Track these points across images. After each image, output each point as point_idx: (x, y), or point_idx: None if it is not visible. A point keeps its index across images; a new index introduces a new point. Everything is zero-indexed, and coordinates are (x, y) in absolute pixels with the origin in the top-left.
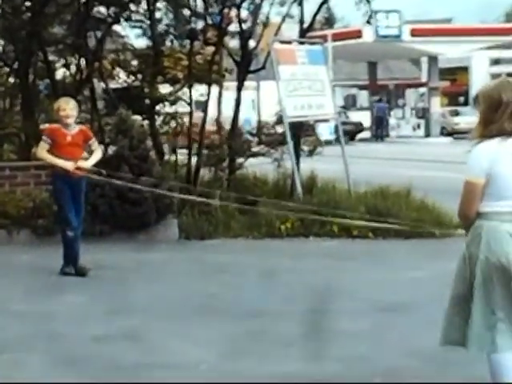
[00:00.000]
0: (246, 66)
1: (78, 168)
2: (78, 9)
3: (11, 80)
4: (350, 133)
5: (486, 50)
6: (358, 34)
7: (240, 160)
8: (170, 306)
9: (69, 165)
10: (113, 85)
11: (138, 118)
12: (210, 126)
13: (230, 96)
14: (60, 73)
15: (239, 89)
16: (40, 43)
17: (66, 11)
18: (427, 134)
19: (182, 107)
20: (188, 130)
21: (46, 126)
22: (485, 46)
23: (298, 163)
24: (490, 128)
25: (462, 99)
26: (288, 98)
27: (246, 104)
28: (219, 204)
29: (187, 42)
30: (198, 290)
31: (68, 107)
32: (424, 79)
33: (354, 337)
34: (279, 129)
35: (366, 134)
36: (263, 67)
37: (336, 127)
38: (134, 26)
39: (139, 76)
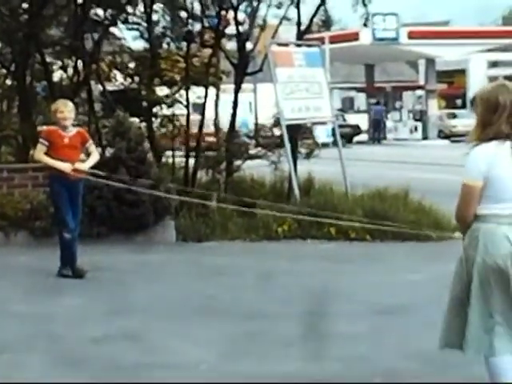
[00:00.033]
0: (243, 69)
1: (75, 170)
2: (75, 11)
3: (8, 82)
4: (348, 135)
5: (484, 52)
6: (355, 37)
7: (237, 162)
8: (169, 306)
9: (66, 167)
10: (110, 87)
11: (135, 120)
12: (207, 129)
13: (227, 98)
14: (57, 75)
15: (236, 91)
16: (37, 45)
17: (63, 13)
18: (424, 137)
19: (179, 109)
20: (185, 133)
21: (44, 128)
22: (482, 48)
23: (295, 166)
24: (487, 131)
25: (459, 102)
26: (285, 100)
27: (244, 106)
28: (216, 206)
29: (184, 44)
30: (197, 291)
31: (66, 109)
32: (421, 82)
33: (352, 339)
34: (276, 131)
35: (363, 137)
36: (260, 69)
37: (333, 130)
38: (131, 28)
39: (136, 78)
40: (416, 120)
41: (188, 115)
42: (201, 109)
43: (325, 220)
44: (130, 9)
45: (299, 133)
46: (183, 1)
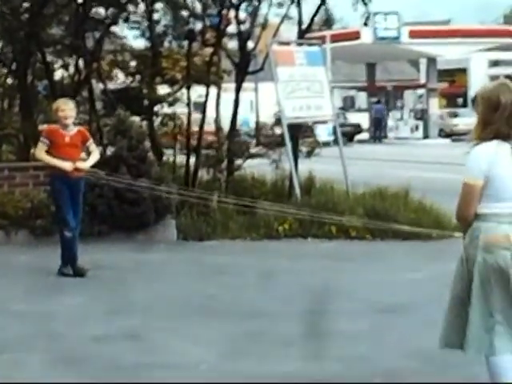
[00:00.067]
0: (245, 68)
1: (76, 169)
2: (76, 10)
3: (10, 81)
4: (349, 134)
5: (485, 51)
6: (356, 36)
7: (238, 161)
8: (170, 306)
9: (67, 165)
10: (111, 85)
11: (136, 118)
12: (206, 127)
13: (228, 97)
14: (58, 73)
15: (237, 90)
16: (38, 44)
17: (65, 12)
18: (425, 136)
19: (180, 108)
20: (186, 131)
21: (45, 126)
22: (483, 47)
23: (296, 164)
24: (487, 130)
25: (460, 101)
26: (286, 99)
27: (245, 105)
28: (217, 201)
29: (185, 43)
30: (197, 290)
31: (67, 108)
32: (422, 81)
33: (353, 337)
34: (277, 130)
35: (364, 136)
36: (261, 68)
37: (334, 128)
38: (133, 27)
39: (138, 77)
40: (417, 119)
41: (189, 114)
42: (202, 108)
43: (325, 217)
44: (131, 7)
45: (300, 131)
46: (184, 0)
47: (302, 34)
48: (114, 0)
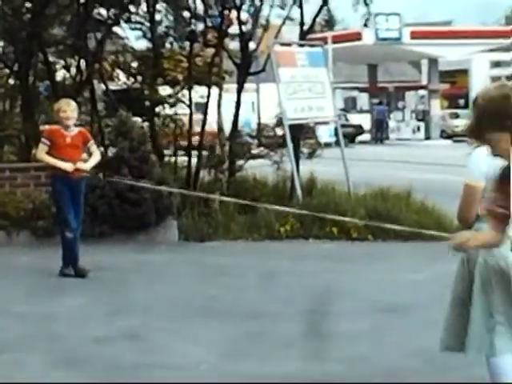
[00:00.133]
0: (246, 68)
1: (77, 170)
2: (78, 10)
3: (11, 81)
4: (350, 135)
5: (486, 52)
6: (358, 37)
7: (240, 162)
8: (171, 307)
9: (68, 166)
10: (113, 86)
11: (137, 119)
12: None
13: (229, 98)
14: (60, 74)
15: (239, 91)
16: (40, 44)
17: (66, 12)
18: (427, 137)
19: (181, 109)
20: (188, 132)
21: (46, 127)
22: (485, 48)
23: (297, 165)
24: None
25: (461, 102)
26: (288, 100)
27: (246, 106)
28: (219, 202)
29: (187, 43)
30: (198, 291)
31: (69, 109)
32: (424, 82)
33: (354, 338)
34: (279, 131)
35: (365, 137)
36: (263, 69)
37: (336, 130)
38: (134, 28)
39: (139, 78)
40: (418, 120)
41: (191, 115)
42: (203, 108)
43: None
44: (132, 8)
45: (302, 133)
46: (186, 0)
47: (303, 35)
48: (116, 1)
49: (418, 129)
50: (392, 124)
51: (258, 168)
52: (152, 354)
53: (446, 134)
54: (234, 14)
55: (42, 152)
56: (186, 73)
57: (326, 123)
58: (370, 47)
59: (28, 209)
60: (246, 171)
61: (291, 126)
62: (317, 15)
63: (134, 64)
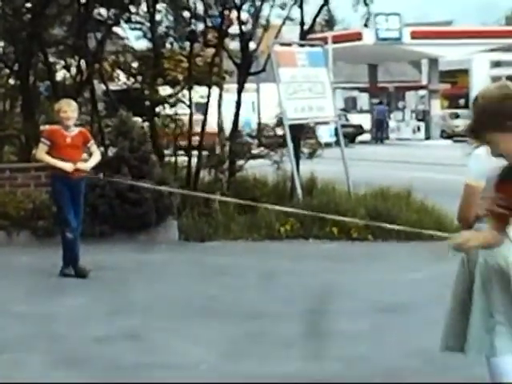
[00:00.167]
0: (247, 68)
1: (77, 170)
2: (78, 10)
3: (11, 81)
4: (350, 135)
5: (487, 52)
6: (358, 37)
7: (240, 162)
8: (171, 306)
9: (68, 166)
10: (113, 86)
11: (138, 119)
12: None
13: (230, 98)
14: (60, 74)
15: (239, 91)
16: (40, 44)
17: (67, 13)
18: (427, 137)
19: (181, 109)
20: (188, 132)
21: (47, 127)
22: (485, 48)
23: (297, 165)
24: None
25: (462, 102)
26: (288, 100)
27: (246, 106)
28: (219, 202)
29: (187, 43)
30: (199, 291)
31: (69, 109)
32: (424, 82)
33: (354, 337)
34: (279, 131)
35: (366, 137)
36: (263, 69)
37: (336, 130)
38: (134, 28)
39: (139, 78)
40: (419, 120)
41: (191, 115)
42: (203, 109)
43: (326, 216)
44: (133, 8)
45: (302, 132)
46: (186, 0)
47: (303, 35)
48: (116, 1)
49: (418, 129)
50: (392, 124)
51: (259, 168)
52: (152, 354)
53: (446, 134)
54: (234, 14)
55: (41, 152)
56: (187, 73)
57: (326, 123)
58: (371, 47)
59: (28, 209)
60: (246, 171)
61: (291, 126)
62: (317, 15)
63: (135, 64)
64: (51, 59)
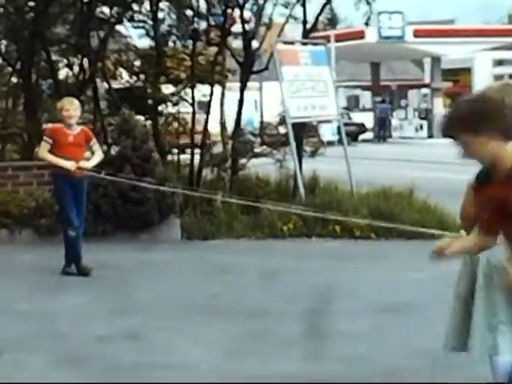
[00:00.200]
0: (249, 67)
1: (79, 168)
2: (81, 9)
3: (14, 80)
4: (353, 134)
5: (489, 51)
6: (360, 35)
7: (242, 160)
8: (173, 305)
9: (69, 165)
10: (116, 85)
11: (140, 118)
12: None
13: (232, 97)
14: (63, 73)
15: (242, 89)
16: (43, 43)
17: (69, 11)
18: (430, 135)
19: (184, 108)
20: (190, 131)
21: (49, 125)
22: (488, 47)
23: (300, 164)
24: None
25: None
26: (291, 98)
27: (249, 105)
28: (221, 200)
29: (190, 42)
30: (201, 289)
31: (72, 108)
32: (427, 80)
33: (355, 337)
34: (282, 129)
35: (368, 135)
36: (266, 68)
37: (338, 128)
38: (137, 27)
39: (142, 76)
40: (421, 118)
41: (193, 113)
42: (206, 107)
43: (329, 216)
44: (135, 7)
45: (304, 131)
46: None
47: (306, 33)
48: None
49: (421, 127)
50: (395, 122)
51: (261, 166)
52: (154, 353)
53: None
54: (236, 12)
55: (43, 150)
56: (189, 71)
57: (328, 121)
58: (373, 45)
59: (31, 207)
60: (248, 170)
61: (294, 125)
62: (320, 14)
63: (137, 62)
64: (54, 57)
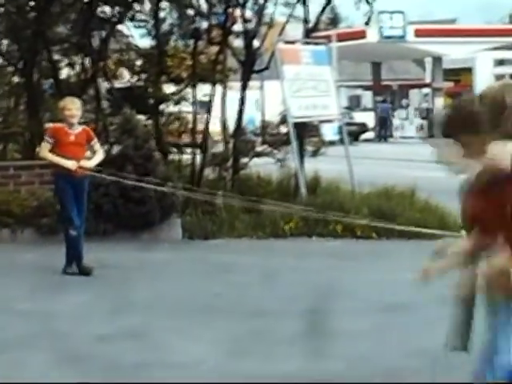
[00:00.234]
0: (250, 66)
1: (80, 167)
2: (82, 8)
3: (16, 79)
4: (354, 133)
5: (491, 50)
6: (362, 35)
7: (244, 160)
8: (174, 305)
9: (71, 164)
10: (117, 84)
11: (142, 117)
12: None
13: (234, 96)
14: (64, 72)
15: (243, 88)
16: (45, 42)
17: (71, 10)
18: (431, 135)
19: (185, 107)
20: (192, 130)
21: (51, 125)
22: (489, 46)
23: (301, 163)
24: (493, 132)
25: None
26: (292, 98)
27: (250, 104)
28: (223, 202)
29: (191, 41)
30: (202, 289)
31: (73, 107)
32: (428, 80)
33: (356, 337)
34: (283, 129)
35: (369, 135)
36: (267, 67)
37: (340, 127)
38: (138, 26)
39: (143, 76)
40: (422, 118)
41: (195, 113)
42: (207, 106)
43: (331, 218)
44: (137, 6)
45: (306, 130)
46: None
47: (308, 32)
48: None
49: (422, 127)
50: (396, 122)
51: (262, 166)
52: (155, 353)
53: None
54: (238, 11)
55: (45, 150)
56: (190, 70)
57: (330, 121)
58: (374, 45)
59: (32, 206)
60: (250, 169)
61: (295, 124)
62: (321, 13)
63: (139, 62)
64: (55, 57)
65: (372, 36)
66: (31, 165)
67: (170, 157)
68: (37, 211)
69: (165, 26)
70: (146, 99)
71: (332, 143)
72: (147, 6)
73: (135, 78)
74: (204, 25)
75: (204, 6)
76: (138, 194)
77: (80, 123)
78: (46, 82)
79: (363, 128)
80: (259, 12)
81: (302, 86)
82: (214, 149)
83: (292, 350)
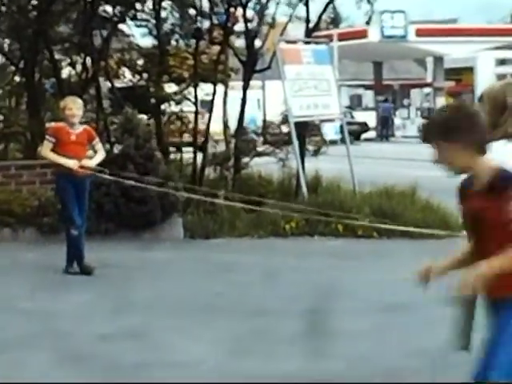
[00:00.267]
0: (252, 66)
1: (81, 167)
2: (83, 7)
3: (17, 79)
4: (356, 133)
5: (492, 50)
6: (363, 34)
7: (245, 159)
8: (175, 304)
9: (72, 163)
10: (118, 84)
11: (143, 117)
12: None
13: (235, 95)
14: (66, 71)
15: (245, 88)
16: (46, 42)
17: (72, 10)
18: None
19: (187, 106)
20: (193, 129)
21: (52, 124)
22: (490, 46)
23: (303, 163)
24: (494, 132)
25: (467, 99)
26: (294, 97)
27: (252, 103)
28: (224, 202)
29: (193, 41)
30: (203, 288)
31: (75, 106)
32: (429, 79)
33: (356, 336)
34: (284, 128)
35: (371, 134)
36: (269, 67)
37: (341, 127)
38: (140, 25)
39: (145, 75)
40: (424, 117)
41: (196, 112)
42: (209, 106)
43: (332, 219)
44: (138, 6)
45: (307, 130)
46: None
47: (309, 32)
48: None
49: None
50: (397, 121)
51: (264, 165)
52: (157, 352)
53: None
54: (239, 11)
55: (46, 149)
56: (192, 70)
57: (331, 120)
58: (376, 45)
59: (34, 206)
60: (251, 168)
61: (297, 124)
62: (322, 13)
63: (140, 61)
64: (57, 56)
65: (373, 35)
66: (32, 164)
67: (171, 156)
68: (38, 211)
69: (166, 26)
70: (147, 99)
71: (333, 142)
72: (149, 5)
73: (137, 77)
74: (206, 24)
75: (206, 6)
76: (140, 193)
77: (81, 123)
78: (47, 82)
79: (364, 127)
80: (261, 12)
81: (304, 86)
82: (215, 148)
83: (292, 350)
